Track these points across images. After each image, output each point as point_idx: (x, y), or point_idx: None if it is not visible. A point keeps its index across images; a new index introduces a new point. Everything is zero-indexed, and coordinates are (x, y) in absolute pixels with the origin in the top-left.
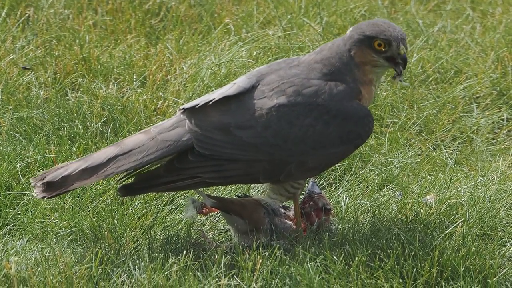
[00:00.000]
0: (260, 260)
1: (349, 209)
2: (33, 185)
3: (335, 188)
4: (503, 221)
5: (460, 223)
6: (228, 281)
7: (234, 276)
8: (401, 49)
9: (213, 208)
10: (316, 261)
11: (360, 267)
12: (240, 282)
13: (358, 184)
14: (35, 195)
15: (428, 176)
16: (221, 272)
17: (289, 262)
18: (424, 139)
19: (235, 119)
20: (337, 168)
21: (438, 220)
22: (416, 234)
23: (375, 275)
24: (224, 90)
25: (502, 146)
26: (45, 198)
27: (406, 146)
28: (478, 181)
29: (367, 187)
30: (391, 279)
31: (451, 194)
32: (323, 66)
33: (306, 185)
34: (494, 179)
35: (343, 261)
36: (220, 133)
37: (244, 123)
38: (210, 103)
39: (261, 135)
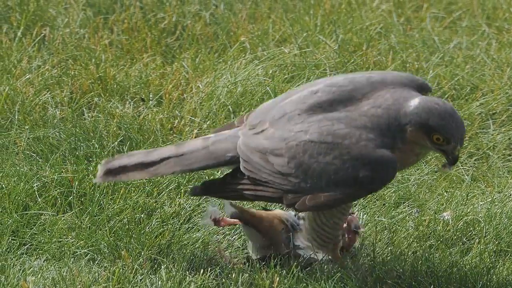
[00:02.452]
0: (278, 278)
1: (366, 227)
2: (100, 168)
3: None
4: None
5: (477, 240)
6: None
7: None
8: (456, 150)
9: (230, 220)
10: (333, 279)
11: (378, 284)
12: None
13: (375, 201)
14: (96, 179)
15: (445, 193)
16: None
17: (307, 280)
18: (441, 155)
19: (272, 145)
20: None
21: (455, 237)
22: (433, 250)
23: None
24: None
25: None
26: (99, 183)
27: (423, 163)
28: (494, 197)
29: (383, 204)
30: None
31: (468, 210)
32: (369, 121)
33: None
34: (511, 195)
35: (360, 278)
36: (259, 156)
37: (277, 150)
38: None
39: (288, 165)
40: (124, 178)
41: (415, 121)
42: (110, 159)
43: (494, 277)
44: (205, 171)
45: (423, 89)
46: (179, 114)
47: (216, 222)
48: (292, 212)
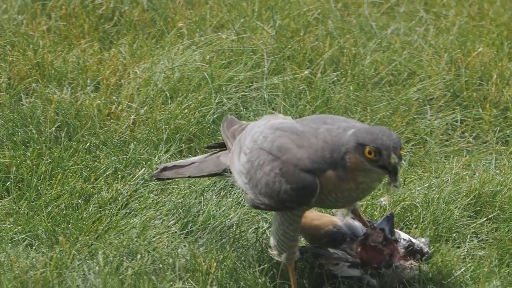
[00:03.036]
0: (215, 264)
1: None
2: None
3: None
4: (458, 222)
5: (414, 225)
6: (183, 284)
7: (189, 279)
8: (391, 158)
9: None
10: (265, 265)
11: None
12: (195, 286)
13: None
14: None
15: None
16: (175, 275)
17: (243, 267)
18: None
19: (246, 144)
20: None
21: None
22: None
23: None
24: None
25: (456, 148)
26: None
27: None
28: (432, 182)
29: None
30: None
31: (405, 196)
32: (316, 143)
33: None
34: (448, 180)
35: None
36: (238, 151)
37: (247, 149)
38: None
39: (244, 165)
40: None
41: (350, 146)
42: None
43: (433, 263)
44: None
45: None
46: (116, 99)
47: None
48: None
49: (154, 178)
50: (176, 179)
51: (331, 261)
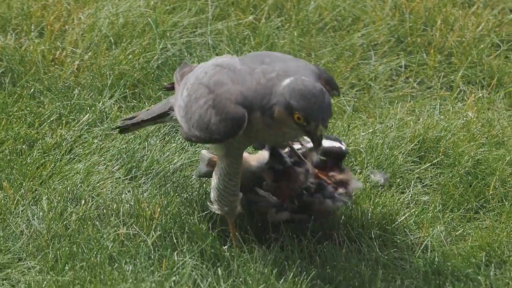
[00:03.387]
0: (159, 209)
1: None
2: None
3: None
4: (402, 168)
5: (358, 170)
6: (127, 230)
7: (133, 224)
8: (318, 130)
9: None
10: (209, 211)
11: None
12: (139, 231)
13: None
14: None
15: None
16: (120, 221)
17: (187, 212)
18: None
19: (191, 80)
20: None
21: None
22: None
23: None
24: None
25: (400, 93)
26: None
27: None
28: (376, 128)
29: None
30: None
31: (350, 141)
32: (250, 83)
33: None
34: (392, 126)
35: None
36: (182, 87)
37: (190, 85)
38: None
39: (183, 98)
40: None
41: (281, 101)
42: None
43: (379, 208)
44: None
45: (328, 84)
46: (60, 45)
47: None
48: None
49: (116, 130)
50: (136, 130)
51: (261, 208)
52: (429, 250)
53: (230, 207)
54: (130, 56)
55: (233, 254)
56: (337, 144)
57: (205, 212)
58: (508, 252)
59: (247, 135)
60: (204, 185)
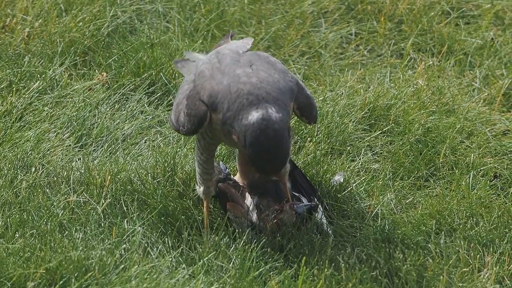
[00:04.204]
0: (109, 177)
1: None
2: None
3: None
4: (352, 135)
5: (309, 139)
6: (77, 197)
7: (83, 192)
8: (266, 179)
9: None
10: (160, 178)
11: None
12: (89, 199)
13: None
14: None
15: None
16: (70, 188)
17: (137, 180)
18: (273, 54)
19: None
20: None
21: None
22: None
23: None
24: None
25: (351, 61)
26: None
27: None
28: (326, 96)
29: None
30: None
31: None
32: (225, 85)
33: None
34: (342, 93)
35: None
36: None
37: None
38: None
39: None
40: None
41: (240, 135)
42: None
43: (328, 175)
44: None
45: (300, 109)
46: (11, 12)
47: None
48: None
49: None
50: None
51: (237, 216)
52: (379, 218)
53: (204, 186)
54: (81, 23)
55: (184, 223)
56: (307, 206)
57: (156, 181)
58: (458, 220)
59: (210, 132)
60: (155, 153)
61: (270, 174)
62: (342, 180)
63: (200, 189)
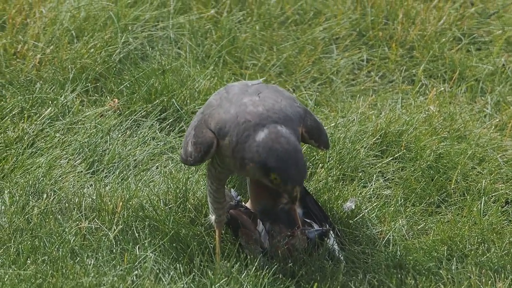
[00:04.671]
0: (121, 203)
1: None
2: None
3: None
4: (364, 162)
5: (320, 165)
6: (89, 224)
7: (95, 219)
8: (294, 192)
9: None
10: (172, 204)
11: None
12: (101, 225)
13: None
14: None
15: None
16: (81, 215)
17: (149, 207)
18: (284, 80)
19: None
20: (197, 111)
21: None
22: None
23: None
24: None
25: (362, 87)
26: None
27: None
28: (338, 122)
29: None
30: None
31: None
32: (231, 115)
33: None
34: (354, 120)
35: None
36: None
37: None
38: None
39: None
40: None
41: (255, 159)
42: None
43: (340, 201)
44: None
45: (308, 133)
46: (22, 39)
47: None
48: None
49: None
50: None
51: (249, 242)
52: (391, 244)
53: (216, 215)
54: (92, 50)
55: (196, 249)
56: (318, 231)
57: (167, 207)
58: (469, 246)
59: (220, 160)
60: (167, 179)
61: (299, 181)
62: (353, 207)
63: (212, 218)
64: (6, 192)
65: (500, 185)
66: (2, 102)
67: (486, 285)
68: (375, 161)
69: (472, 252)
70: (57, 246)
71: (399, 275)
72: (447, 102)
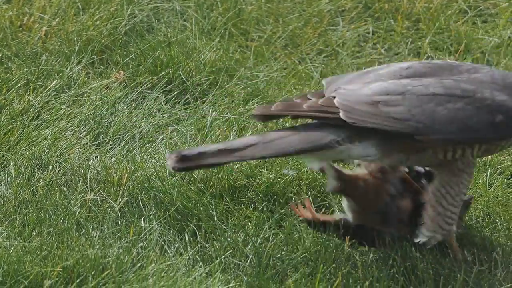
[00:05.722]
0: (126, 175)
1: (214, 123)
2: (167, 157)
3: (201, 103)
4: None
5: None
6: (94, 195)
7: (100, 190)
8: None
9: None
10: (176, 176)
11: None
12: (106, 197)
13: (224, 98)
14: (168, 167)
15: (294, 90)
16: (87, 187)
17: (154, 178)
18: (290, 52)
19: (385, 98)
20: (202, 83)
21: None
22: None
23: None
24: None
25: (368, 60)
26: (176, 169)
27: (272, 60)
28: None
29: (232, 101)
30: None
31: None
32: (487, 83)
33: None
34: None
35: None
36: (368, 106)
37: (393, 102)
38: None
39: (411, 112)
40: (205, 163)
41: None
42: (178, 151)
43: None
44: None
45: None
46: (28, 11)
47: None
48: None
49: None
50: None
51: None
52: None
53: (455, 223)
54: (98, 22)
55: (202, 221)
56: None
57: (175, 178)
58: (475, 218)
59: None
60: (173, 149)
61: None
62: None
63: (453, 229)
64: (12, 164)
65: (506, 157)
66: (8, 74)
67: (490, 258)
68: None
69: (477, 224)
70: (62, 218)
71: (404, 248)
72: None
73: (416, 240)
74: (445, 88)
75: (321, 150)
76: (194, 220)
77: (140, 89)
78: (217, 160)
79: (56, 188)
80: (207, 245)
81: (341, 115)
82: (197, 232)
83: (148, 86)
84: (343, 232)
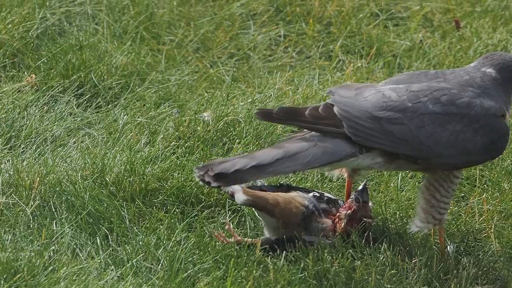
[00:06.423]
0: (38, 179)
1: (126, 127)
2: (200, 174)
3: (112, 106)
4: (280, 137)
5: (237, 140)
6: (6, 199)
7: (12, 194)
8: None
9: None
10: (89, 180)
11: None
12: (18, 201)
13: (135, 102)
14: (209, 184)
15: (205, 93)
16: None
17: (66, 181)
18: (201, 56)
19: (387, 114)
20: (114, 86)
21: (215, 137)
22: (194, 150)
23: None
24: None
25: (279, 63)
26: (212, 186)
27: (183, 63)
28: (255, 97)
29: (144, 105)
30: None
31: (228, 111)
32: (473, 85)
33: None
34: (271, 95)
35: None
36: (372, 123)
37: (396, 120)
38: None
39: (413, 134)
40: (244, 180)
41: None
42: (205, 166)
43: None
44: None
45: None
46: None
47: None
48: (311, 196)
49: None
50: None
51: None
52: None
53: (446, 213)
54: (10, 25)
55: (114, 224)
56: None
57: (87, 181)
58: (390, 218)
59: None
60: (85, 153)
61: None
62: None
63: (444, 217)
64: None
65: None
66: None
67: (403, 262)
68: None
69: (393, 225)
70: None
71: (316, 251)
72: (364, 77)
73: (409, 231)
74: (442, 106)
75: (339, 161)
76: (106, 223)
77: (52, 92)
78: (254, 177)
79: None
80: (119, 249)
81: (347, 131)
82: (109, 236)
83: (59, 89)
84: (269, 248)
